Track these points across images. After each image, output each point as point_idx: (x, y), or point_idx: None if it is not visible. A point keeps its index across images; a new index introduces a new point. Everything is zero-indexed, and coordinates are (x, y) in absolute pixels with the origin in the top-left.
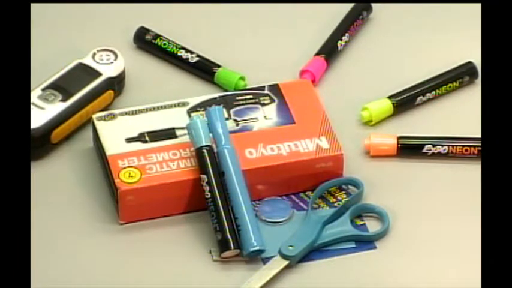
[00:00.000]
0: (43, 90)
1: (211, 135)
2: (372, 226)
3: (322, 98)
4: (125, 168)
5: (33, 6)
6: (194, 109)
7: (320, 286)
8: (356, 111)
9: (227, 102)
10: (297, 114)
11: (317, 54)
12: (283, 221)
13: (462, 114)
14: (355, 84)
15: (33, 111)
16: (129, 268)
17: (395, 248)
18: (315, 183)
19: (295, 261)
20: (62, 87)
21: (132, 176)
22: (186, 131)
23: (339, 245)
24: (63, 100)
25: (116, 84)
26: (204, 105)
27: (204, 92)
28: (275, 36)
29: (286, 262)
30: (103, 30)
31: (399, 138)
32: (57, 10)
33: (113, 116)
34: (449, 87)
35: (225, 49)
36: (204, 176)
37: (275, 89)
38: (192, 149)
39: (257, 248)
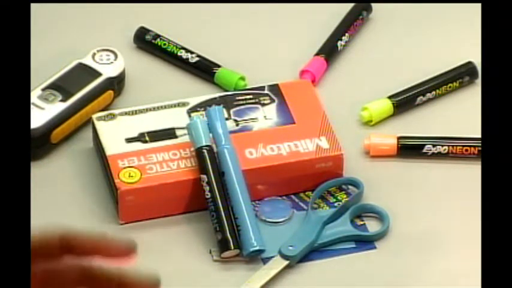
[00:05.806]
0: (43, 90)
1: (211, 135)
2: (372, 226)
3: (322, 98)
4: (124, 168)
5: (33, 6)
6: (194, 109)
7: (320, 286)
8: (356, 111)
9: (227, 102)
10: (297, 114)
11: (317, 54)
12: (283, 221)
13: (462, 114)
14: (355, 84)
15: (33, 111)
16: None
17: (395, 248)
18: (315, 183)
19: (295, 261)
20: (62, 87)
21: (132, 176)
22: (186, 131)
23: (339, 245)
24: (63, 100)
25: (116, 84)
26: (204, 105)
27: (204, 92)
28: (275, 36)
29: (286, 262)
30: (103, 30)
31: (399, 138)
32: (57, 10)
33: (113, 116)
34: (449, 87)
35: (225, 49)
36: (204, 176)
37: (275, 89)
38: (192, 149)
39: (257, 248)
